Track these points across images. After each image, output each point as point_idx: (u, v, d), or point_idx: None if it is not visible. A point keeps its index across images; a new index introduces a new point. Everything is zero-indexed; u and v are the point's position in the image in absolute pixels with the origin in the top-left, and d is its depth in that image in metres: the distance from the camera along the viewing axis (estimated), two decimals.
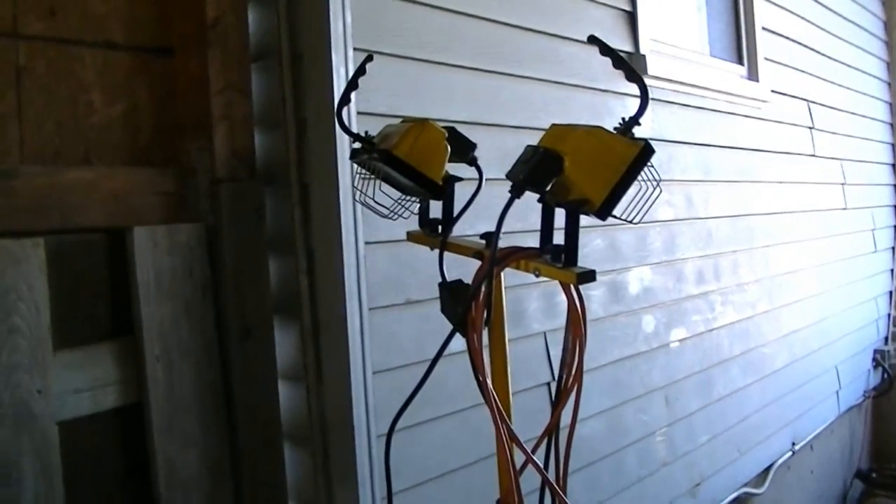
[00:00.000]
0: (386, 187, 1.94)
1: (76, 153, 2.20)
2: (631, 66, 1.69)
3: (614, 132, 1.62)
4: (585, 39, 3.38)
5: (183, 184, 2.35)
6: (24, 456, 1.96)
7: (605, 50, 1.74)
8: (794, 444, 5.39)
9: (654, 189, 1.57)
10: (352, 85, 2.00)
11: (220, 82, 2.37)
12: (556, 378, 1.84)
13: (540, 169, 1.65)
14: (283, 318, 2.53)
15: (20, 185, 2.00)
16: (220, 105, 2.36)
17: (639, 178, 1.58)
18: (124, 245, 2.19)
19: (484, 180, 1.95)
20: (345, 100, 2.01)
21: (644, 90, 1.63)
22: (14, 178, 1.99)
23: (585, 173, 1.62)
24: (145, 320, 2.19)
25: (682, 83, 4.25)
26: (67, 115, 2.19)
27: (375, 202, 1.91)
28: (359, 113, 2.48)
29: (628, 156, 1.57)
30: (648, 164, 1.58)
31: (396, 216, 1.97)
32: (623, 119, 1.62)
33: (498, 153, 2.58)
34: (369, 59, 1.99)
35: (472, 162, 1.99)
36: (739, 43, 5.17)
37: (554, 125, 1.75)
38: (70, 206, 2.09)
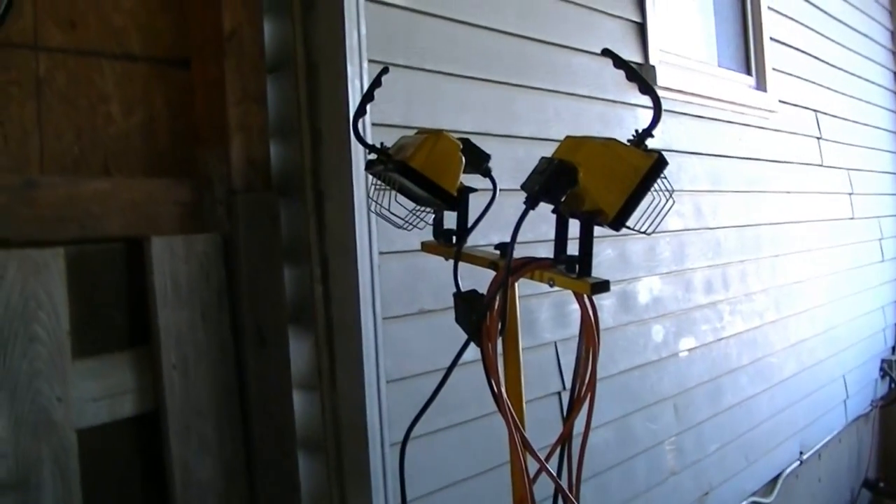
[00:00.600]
0: (401, 198, 1.97)
1: (95, 163, 2.22)
2: (644, 78, 1.71)
3: (628, 144, 1.64)
4: (597, 51, 3.42)
5: (200, 193, 2.38)
6: (44, 462, 1.98)
7: (619, 63, 1.76)
8: (802, 452, 5.40)
9: (667, 200, 1.59)
10: (368, 97, 2.03)
11: (237, 93, 2.39)
12: (570, 387, 1.86)
13: (555, 180, 1.67)
14: (297, 326, 2.55)
15: (41, 195, 2.02)
16: (237, 115, 2.38)
17: (652, 189, 1.60)
18: (142, 254, 2.21)
19: (498, 191, 1.97)
20: (361, 111, 2.04)
21: (657, 102, 1.65)
22: (36, 189, 2.02)
23: (600, 185, 1.64)
24: (162, 329, 2.21)
25: (690, 93, 4.28)
26: (86, 125, 2.21)
27: (390, 212, 1.94)
28: (373, 124, 2.50)
29: (642, 168, 1.60)
30: (662, 175, 1.60)
31: (411, 227, 1.99)
32: (636, 131, 1.64)
33: (510, 163, 2.60)
34: (385, 71, 2.02)
35: (487, 173, 2.01)
36: (748, 53, 5.20)
37: (568, 137, 1.77)
38: (89, 215, 2.11)
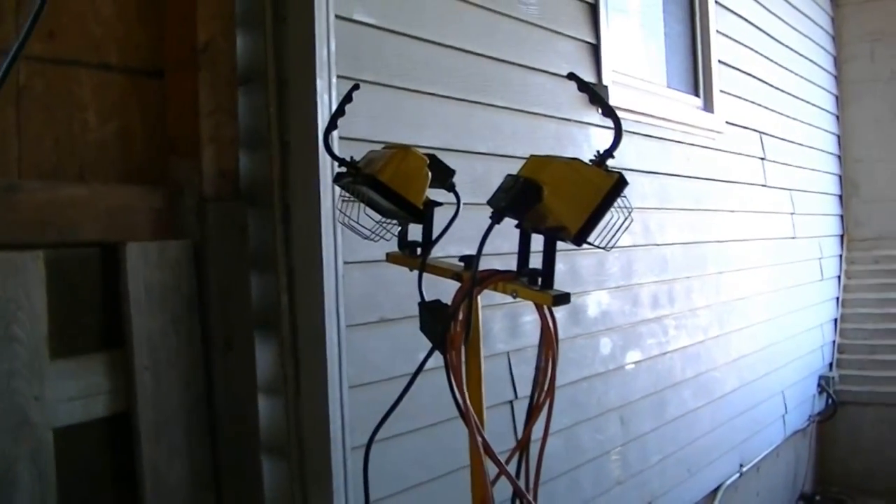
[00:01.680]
0: (368, 210, 2.04)
1: (72, 170, 2.28)
2: (607, 102, 1.80)
3: (590, 164, 1.72)
4: (553, 70, 3.51)
5: (172, 201, 2.43)
6: (21, 461, 2.03)
7: (582, 86, 1.84)
8: (741, 466, 5.51)
9: (626, 218, 1.68)
10: (339, 112, 2.09)
11: (210, 105, 2.45)
12: (528, 395, 1.94)
13: (521, 197, 1.75)
14: (263, 333, 2.60)
15: (22, 199, 2.08)
16: (209, 127, 2.45)
17: (612, 207, 1.68)
18: (117, 259, 2.26)
19: (461, 205, 2.05)
20: (332, 126, 2.10)
21: (618, 125, 1.72)
22: (17, 193, 2.07)
23: (563, 202, 1.71)
24: (135, 332, 2.27)
25: (641, 113, 4.38)
26: (64, 132, 2.27)
27: (358, 224, 2.01)
28: (340, 137, 2.56)
29: (604, 187, 1.67)
30: (622, 194, 1.68)
31: (378, 237, 2.06)
32: (598, 152, 1.71)
33: (468, 178, 2.69)
34: (356, 87, 2.09)
35: (451, 188, 2.09)
36: (696, 75, 5.31)
37: (533, 156, 1.85)
38: (67, 220, 2.17)
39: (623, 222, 1.68)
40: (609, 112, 1.77)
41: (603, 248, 1.69)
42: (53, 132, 2.25)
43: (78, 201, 2.20)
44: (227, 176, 2.50)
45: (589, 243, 1.69)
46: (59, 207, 2.16)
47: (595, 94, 1.83)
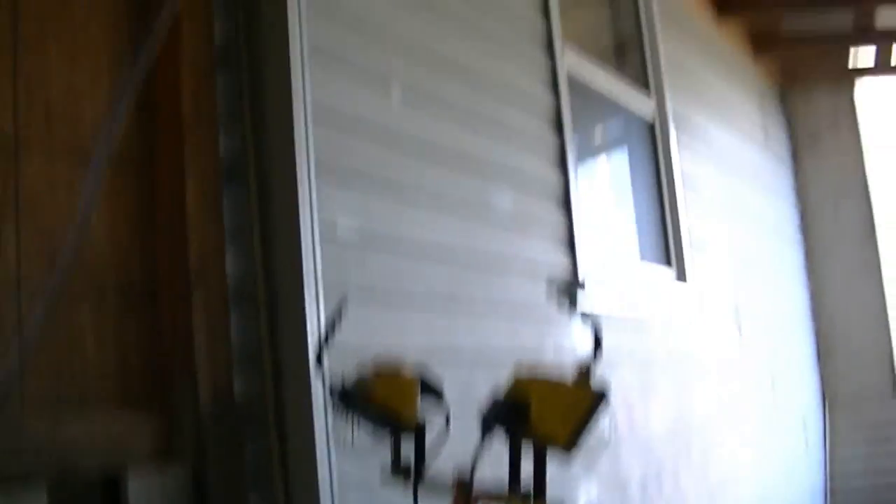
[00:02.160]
0: (361, 423, 2.10)
1: (73, 397, 2.31)
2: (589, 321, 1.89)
3: (574, 381, 1.81)
4: (531, 271, 3.56)
5: (170, 425, 2.47)
6: None
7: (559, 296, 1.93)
8: None
9: (610, 430, 1.76)
10: (333, 328, 2.18)
11: (203, 326, 2.51)
12: None
13: (508, 414, 1.84)
14: None
15: (22, 433, 2.11)
16: (204, 348, 2.49)
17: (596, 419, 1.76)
18: (118, 489, 2.27)
19: (451, 422, 2.12)
20: (326, 342, 2.19)
21: (598, 342, 1.83)
22: (18, 425, 2.10)
23: (550, 418, 1.80)
24: None
25: (617, 295, 4.48)
26: (64, 361, 2.30)
27: (352, 441, 2.08)
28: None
29: (587, 403, 1.77)
30: (604, 408, 1.77)
31: (371, 455, 2.12)
32: (580, 367, 1.81)
33: (453, 382, 2.74)
34: (344, 302, 2.18)
35: (440, 406, 2.16)
36: (667, 246, 5.41)
37: (518, 372, 1.93)
38: (69, 451, 2.19)
39: (607, 434, 1.76)
40: (589, 327, 1.86)
41: (596, 454, 1.76)
42: (54, 361, 2.27)
43: (79, 431, 2.23)
44: (222, 397, 2.53)
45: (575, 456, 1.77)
46: (61, 438, 2.19)
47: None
